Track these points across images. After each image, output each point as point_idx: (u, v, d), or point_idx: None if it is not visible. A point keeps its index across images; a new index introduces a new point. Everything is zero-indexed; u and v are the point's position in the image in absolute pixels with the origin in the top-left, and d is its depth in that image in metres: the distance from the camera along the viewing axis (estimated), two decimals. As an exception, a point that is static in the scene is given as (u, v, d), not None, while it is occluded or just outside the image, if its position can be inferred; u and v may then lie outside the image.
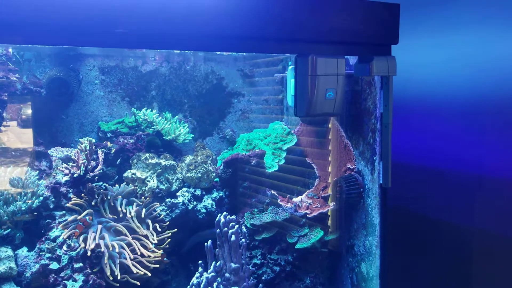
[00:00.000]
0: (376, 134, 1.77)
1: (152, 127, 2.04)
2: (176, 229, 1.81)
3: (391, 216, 1.81)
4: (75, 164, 1.67)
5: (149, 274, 1.62)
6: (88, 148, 1.68)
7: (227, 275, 1.71)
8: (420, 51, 2.20)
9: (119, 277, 1.55)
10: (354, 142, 1.95)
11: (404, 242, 2.32)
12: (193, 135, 2.18)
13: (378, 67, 1.62)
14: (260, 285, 1.79)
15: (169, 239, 1.79)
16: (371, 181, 1.84)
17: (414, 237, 2.29)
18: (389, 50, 1.66)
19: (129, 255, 1.63)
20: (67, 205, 1.65)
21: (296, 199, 2.05)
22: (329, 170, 2.07)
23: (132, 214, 1.72)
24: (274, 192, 2.01)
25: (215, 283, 1.68)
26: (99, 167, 1.74)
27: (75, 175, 1.65)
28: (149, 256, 1.66)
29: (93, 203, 1.69)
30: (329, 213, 2.00)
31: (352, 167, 1.96)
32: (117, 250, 1.57)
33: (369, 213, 1.85)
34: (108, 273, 1.52)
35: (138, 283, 1.61)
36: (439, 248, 2.16)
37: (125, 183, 1.87)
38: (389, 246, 1.78)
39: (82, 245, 1.55)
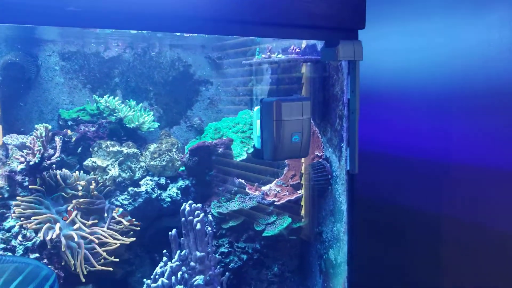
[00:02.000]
0: (344, 121, 1.75)
1: (115, 114, 1.97)
2: (139, 226, 1.75)
3: (358, 203, 1.80)
4: (30, 152, 1.60)
5: (111, 269, 1.58)
6: (44, 134, 1.60)
7: (192, 263, 1.67)
8: (388, 39, 2.20)
9: (78, 269, 1.49)
10: (322, 129, 1.94)
11: (371, 229, 2.32)
12: (159, 124, 2.12)
13: (344, 52, 1.60)
14: (227, 273, 1.76)
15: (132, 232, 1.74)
16: (338, 167, 1.82)
17: (381, 224, 2.30)
18: (356, 35, 1.64)
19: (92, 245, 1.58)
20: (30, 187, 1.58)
21: (265, 188, 2.02)
22: (298, 160, 2.05)
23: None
24: (242, 181, 1.98)
25: (180, 272, 1.64)
26: (57, 154, 1.67)
27: (31, 163, 1.58)
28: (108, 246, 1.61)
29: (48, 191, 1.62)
30: (297, 201, 1.98)
31: (320, 154, 1.94)
32: (76, 239, 1.52)
33: (337, 199, 1.84)
34: (71, 262, 1.47)
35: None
36: (406, 235, 2.17)
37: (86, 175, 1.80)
38: (357, 232, 1.77)
39: (41, 237, 1.49)
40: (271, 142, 1.60)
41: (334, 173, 1.86)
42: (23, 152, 1.62)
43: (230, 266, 1.85)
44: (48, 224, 1.52)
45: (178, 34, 1.88)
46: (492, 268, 1.78)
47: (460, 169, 1.89)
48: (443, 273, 1.99)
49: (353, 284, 1.79)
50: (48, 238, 1.47)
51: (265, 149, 1.64)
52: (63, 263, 1.51)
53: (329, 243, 1.92)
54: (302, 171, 2.02)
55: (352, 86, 1.69)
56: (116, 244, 1.64)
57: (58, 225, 1.54)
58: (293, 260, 2.00)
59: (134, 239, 1.71)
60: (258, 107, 1.66)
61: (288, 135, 1.60)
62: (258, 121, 1.66)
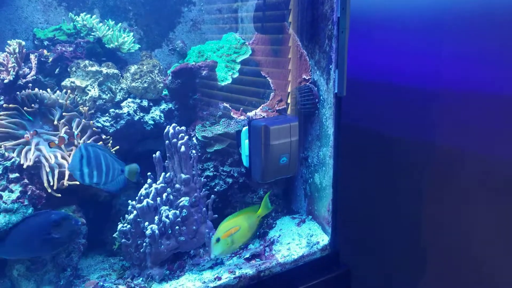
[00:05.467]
0: (333, 41, 1.69)
1: (92, 34, 1.86)
2: (118, 146, 1.71)
3: (345, 129, 1.78)
4: (4, 69, 1.51)
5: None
6: (18, 50, 1.51)
7: (177, 186, 1.66)
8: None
9: (55, 187, 1.46)
10: (309, 51, 1.87)
11: (357, 154, 2.33)
12: (139, 45, 2.02)
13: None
14: (212, 196, 1.75)
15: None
16: (326, 91, 1.78)
17: (367, 150, 2.30)
18: None
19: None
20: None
21: (250, 113, 1.98)
22: (285, 82, 2.00)
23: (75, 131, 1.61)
24: (227, 105, 1.93)
25: (165, 194, 1.63)
26: (32, 72, 1.58)
27: (6, 81, 1.49)
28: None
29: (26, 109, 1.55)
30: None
31: (307, 78, 1.89)
32: (52, 161, 1.47)
33: (324, 123, 1.82)
34: (46, 184, 1.43)
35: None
36: (393, 160, 2.18)
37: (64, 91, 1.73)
38: (343, 156, 1.77)
39: (19, 159, 1.44)
40: (259, 165, 1.61)
41: (321, 97, 1.83)
42: (-5, 69, 1.53)
43: (215, 189, 1.84)
44: (25, 147, 1.48)
45: None
46: (478, 194, 1.81)
47: (449, 94, 1.87)
48: (427, 197, 2.02)
49: (337, 207, 1.81)
50: (27, 162, 1.43)
51: (253, 170, 1.65)
52: (44, 184, 1.48)
53: (315, 168, 1.92)
54: (285, 94, 1.98)
55: (343, 2, 1.61)
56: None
57: (34, 145, 1.49)
58: (278, 185, 2.01)
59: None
60: (246, 127, 1.65)
61: (276, 158, 1.60)
62: (247, 141, 1.65)
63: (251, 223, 1.60)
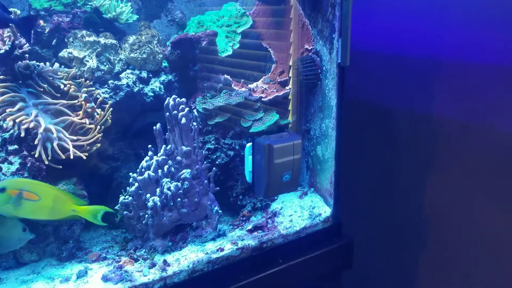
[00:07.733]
0: (336, 9, 1.65)
1: (89, 3, 1.82)
2: (111, 108, 1.66)
3: (348, 102, 1.76)
4: (-1, 39, 1.48)
5: (84, 157, 1.50)
6: (13, 20, 1.47)
7: (178, 158, 1.64)
8: None
9: (46, 162, 1.43)
10: (312, 20, 1.83)
11: (360, 126, 2.31)
12: (137, 16, 1.98)
13: None
14: (214, 168, 1.74)
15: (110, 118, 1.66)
16: (329, 61, 1.75)
17: (370, 123, 2.28)
18: None
19: (67, 137, 1.52)
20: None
21: (252, 85, 1.95)
22: (287, 54, 1.96)
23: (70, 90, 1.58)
24: (228, 77, 1.89)
25: (166, 166, 1.61)
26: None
27: (1, 51, 1.46)
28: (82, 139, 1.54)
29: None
30: (285, 97, 1.92)
31: (310, 48, 1.86)
32: (54, 133, 1.45)
33: (326, 95, 1.79)
34: (43, 156, 1.41)
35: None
36: (394, 133, 2.17)
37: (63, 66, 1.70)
38: (345, 128, 1.75)
39: (16, 128, 1.41)
40: (262, 182, 1.61)
41: (324, 67, 1.80)
42: (-10, 40, 1.50)
43: (217, 162, 1.83)
44: (24, 117, 1.45)
45: None
46: (481, 166, 1.79)
47: (454, 65, 1.84)
48: (430, 169, 2.01)
49: (339, 179, 1.80)
50: (23, 127, 1.40)
51: (256, 186, 1.66)
52: (43, 156, 1.46)
53: (317, 140, 1.90)
54: (287, 65, 1.94)
55: (347, -32, 1.57)
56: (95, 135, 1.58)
57: (39, 119, 1.46)
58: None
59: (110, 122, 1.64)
60: (250, 143, 1.64)
61: (279, 176, 1.60)
62: (250, 157, 1.65)
63: (58, 208, 1.29)
